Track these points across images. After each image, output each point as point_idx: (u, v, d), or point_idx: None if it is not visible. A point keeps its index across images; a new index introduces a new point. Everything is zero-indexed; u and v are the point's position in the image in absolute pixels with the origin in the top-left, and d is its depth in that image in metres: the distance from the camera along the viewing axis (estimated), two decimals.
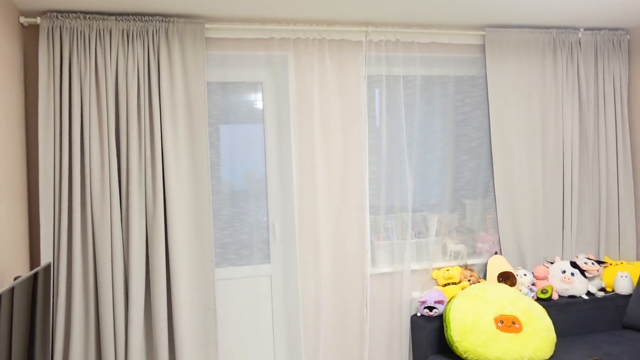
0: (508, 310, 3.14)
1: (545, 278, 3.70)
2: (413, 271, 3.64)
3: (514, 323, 3.09)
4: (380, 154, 3.62)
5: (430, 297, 3.38)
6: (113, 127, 3.02)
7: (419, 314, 3.45)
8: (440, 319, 3.32)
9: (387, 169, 3.62)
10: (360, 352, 3.50)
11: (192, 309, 3.16)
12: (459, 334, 3.05)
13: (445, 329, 3.16)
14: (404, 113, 3.61)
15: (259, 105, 3.53)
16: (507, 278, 3.56)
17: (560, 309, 3.49)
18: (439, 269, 3.69)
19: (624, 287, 3.67)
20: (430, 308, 3.36)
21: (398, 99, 3.59)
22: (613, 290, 3.74)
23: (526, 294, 3.48)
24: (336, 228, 3.49)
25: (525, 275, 3.65)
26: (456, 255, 3.76)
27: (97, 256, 2.98)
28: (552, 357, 3.07)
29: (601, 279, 3.77)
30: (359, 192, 3.53)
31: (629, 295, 3.63)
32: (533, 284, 3.66)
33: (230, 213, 3.48)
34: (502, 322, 3.09)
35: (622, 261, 3.88)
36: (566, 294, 3.64)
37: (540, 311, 3.19)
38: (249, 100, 3.52)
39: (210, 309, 3.18)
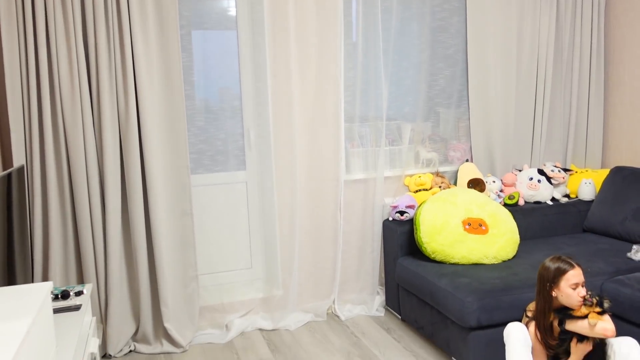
0: (476, 213, 3.27)
1: (513, 185, 3.82)
2: (386, 178, 3.71)
3: (481, 225, 3.22)
4: (356, 61, 3.58)
5: (402, 202, 3.49)
6: (80, 30, 2.89)
7: (390, 219, 3.57)
8: (411, 222, 3.44)
9: (363, 76, 3.59)
10: (334, 254, 3.64)
11: (169, 214, 3.19)
12: (428, 236, 3.18)
13: (415, 231, 3.28)
14: (381, 18, 3.54)
15: (232, 12, 3.42)
16: (476, 184, 3.67)
17: (526, 214, 3.64)
18: (411, 175, 3.77)
19: (587, 193, 3.82)
20: (402, 212, 3.47)
21: (375, 2, 3.50)
22: (577, 197, 3.90)
23: (494, 200, 3.60)
24: (311, 135, 3.49)
25: (494, 182, 3.77)
26: (428, 162, 3.84)
27: (70, 160, 2.96)
28: (515, 257, 3.24)
29: (566, 186, 3.92)
30: (335, 100, 3.50)
31: (591, 201, 3.80)
32: (501, 191, 3.79)
33: (205, 119, 3.46)
34: (469, 224, 3.22)
35: (587, 169, 4.02)
36: (532, 199, 3.79)
37: (506, 214, 3.33)
38: (222, 5, 3.40)
39: (187, 213, 3.22)
